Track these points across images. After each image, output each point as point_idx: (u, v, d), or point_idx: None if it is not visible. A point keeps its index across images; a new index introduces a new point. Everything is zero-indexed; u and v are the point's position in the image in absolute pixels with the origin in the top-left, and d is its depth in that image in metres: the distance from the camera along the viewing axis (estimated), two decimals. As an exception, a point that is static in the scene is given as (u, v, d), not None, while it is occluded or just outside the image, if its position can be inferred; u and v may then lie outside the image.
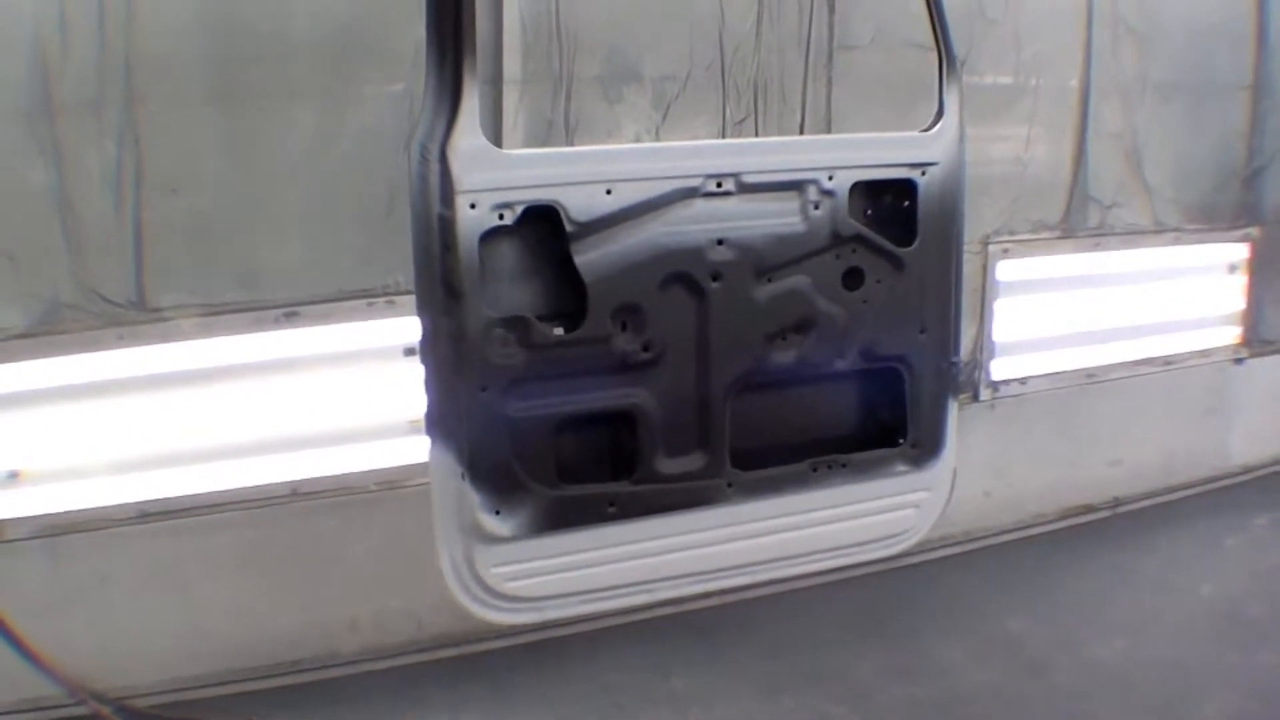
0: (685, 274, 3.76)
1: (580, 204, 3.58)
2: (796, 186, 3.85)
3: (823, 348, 3.99)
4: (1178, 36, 7.29)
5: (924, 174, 3.98)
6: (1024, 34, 6.71)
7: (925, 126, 4.02)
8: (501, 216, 3.49)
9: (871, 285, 4.00)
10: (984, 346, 6.91)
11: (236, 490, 5.43)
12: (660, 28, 5.84)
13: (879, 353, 4.08)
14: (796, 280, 3.90)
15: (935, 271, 4.08)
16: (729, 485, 3.95)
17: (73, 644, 5.19)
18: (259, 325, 5.34)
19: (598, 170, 3.65)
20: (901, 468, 4.18)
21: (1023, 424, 7.22)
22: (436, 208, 3.44)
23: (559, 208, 3.56)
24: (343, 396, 5.55)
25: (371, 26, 5.33)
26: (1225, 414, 8.10)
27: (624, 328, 3.72)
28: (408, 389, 5.29)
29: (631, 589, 3.95)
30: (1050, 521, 7.45)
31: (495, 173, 3.48)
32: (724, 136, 5.92)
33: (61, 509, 5.18)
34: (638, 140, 5.77)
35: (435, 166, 3.41)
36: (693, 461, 3.91)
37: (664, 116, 5.83)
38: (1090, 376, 7.38)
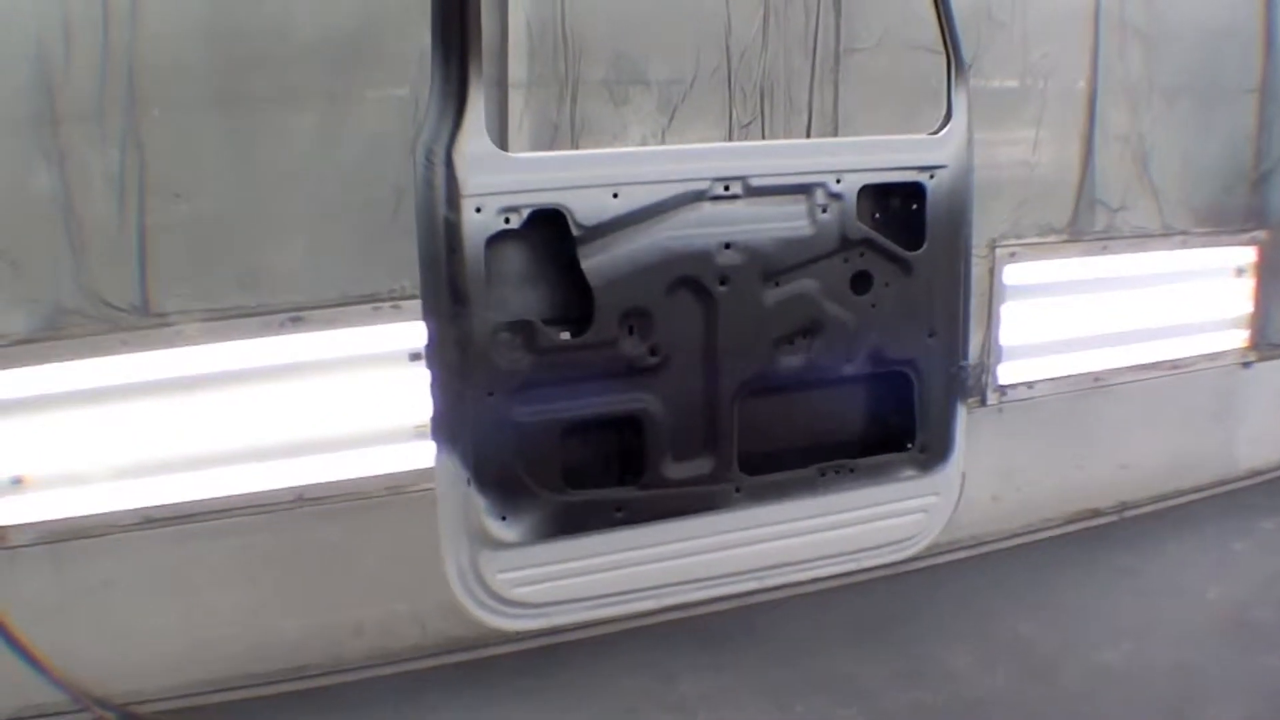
0: (692, 278, 3.74)
1: (586, 207, 3.56)
2: (804, 190, 3.83)
3: (831, 352, 3.98)
4: (1185, 39, 7.26)
5: (932, 177, 3.96)
6: (1032, 37, 6.68)
7: (934, 129, 4.01)
8: (507, 220, 3.47)
9: (880, 289, 3.98)
10: (991, 350, 6.89)
11: (241, 496, 5.41)
12: (666, 31, 5.83)
13: (887, 357, 4.07)
14: (804, 284, 3.89)
15: (944, 275, 4.07)
16: (737, 490, 3.93)
17: (77, 650, 5.16)
18: (263, 330, 5.32)
19: (604, 174, 3.63)
20: (910, 472, 4.17)
21: (1030, 428, 7.20)
22: (442, 211, 3.42)
23: (565, 211, 3.54)
24: (348, 402, 5.53)
25: (375, 31, 5.31)
26: (1232, 418, 8.07)
27: (631, 332, 3.71)
28: (413, 394, 5.26)
29: (638, 594, 3.94)
30: (1057, 526, 7.43)
31: (501, 176, 3.46)
32: (730, 140, 5.89)
33: (65, 514, 5.17)
34: (644, 144, 5.75)
35: (440, 170, 3.40)
36: (700, 466, 3.89)
37: (670, 120, 5.82)
38: (1097, 380, 7.36)
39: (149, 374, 5.20)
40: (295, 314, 5.36)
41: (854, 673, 5.82)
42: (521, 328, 3.58)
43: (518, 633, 5.14)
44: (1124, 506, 7.64)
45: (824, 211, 3.85)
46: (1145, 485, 7.72)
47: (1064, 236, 7.06)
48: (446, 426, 3.61)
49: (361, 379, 5.54)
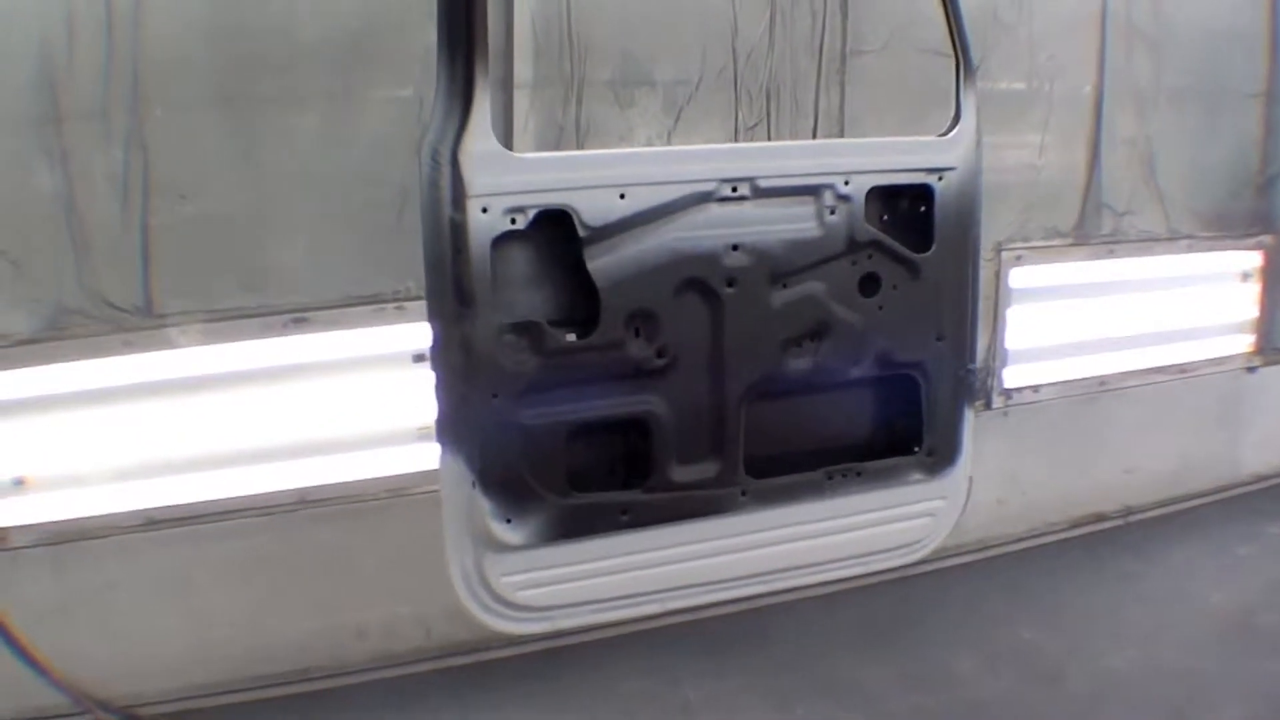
0: (699, 279, 3.72)
1: (593, 208, 3.54)
2: (812, 191, 3.81)
3: (838, 354, 3.95)
4: (1191, 43, 7.25)
5: (941, 179, 3.94)
6: (1038, 39, 6.67)
7: (942, 131, 3.98)
8: (514, 220, 3.45)
9: (888, 291, 3.96)
10: (997, 354, 6.88)
11: (244, 498, 5.40)
12: (672, 32, 5.80)
13: (895, 360, 4.04)
14: (812, 286, 3.86)
15: (952, 277, 4.04)
16: (743, 493, 3.91)
17: (78, 652, 5.15)
18: (266, 331, 5.31)
19: (611, 174, 3.61)
20: (917, 476, 4.14)
21: (1035, 432, 7.18)
22: (447, 211, 3.40)
23: (572, 212, 3.52)
24: (351, 404, 5.52)
25: (380, 31, 5.29)
26: (1237, 422, 8.05)
27: (637, 334, 3.68)
28: (416, 396, 5.26)
29: (644, 598, 3.91)
30: (1062, 530, 7.42)
31: (507, 176, 3.44)
32: (736, 142, 5.87)
33: (67, 516, 5.15)
34: (650, 145, 5.73)
35: (446, 170, 3.37)
36: (706, 469, 3.87)
37: (676, 121, 5.80)
38: (1103, 384, 7.35)
39: (151, 375, 5.18)
40: (298, 315, 5.34)
41: (858, 677, 5.80)
42: (527, 329, 3.56)
43: (521, 636, 5.14)
44: (1129, 511, 7.62)
45: (832, 213, 3.83)
46: (1150, 490, 7.71)
47: (1070, 240, 7.06)
48: (451, 428, 3.58)
49: (365, 381, 5.52)
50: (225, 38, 5.09)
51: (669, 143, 5.75)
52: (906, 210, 3.99)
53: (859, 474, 4.05)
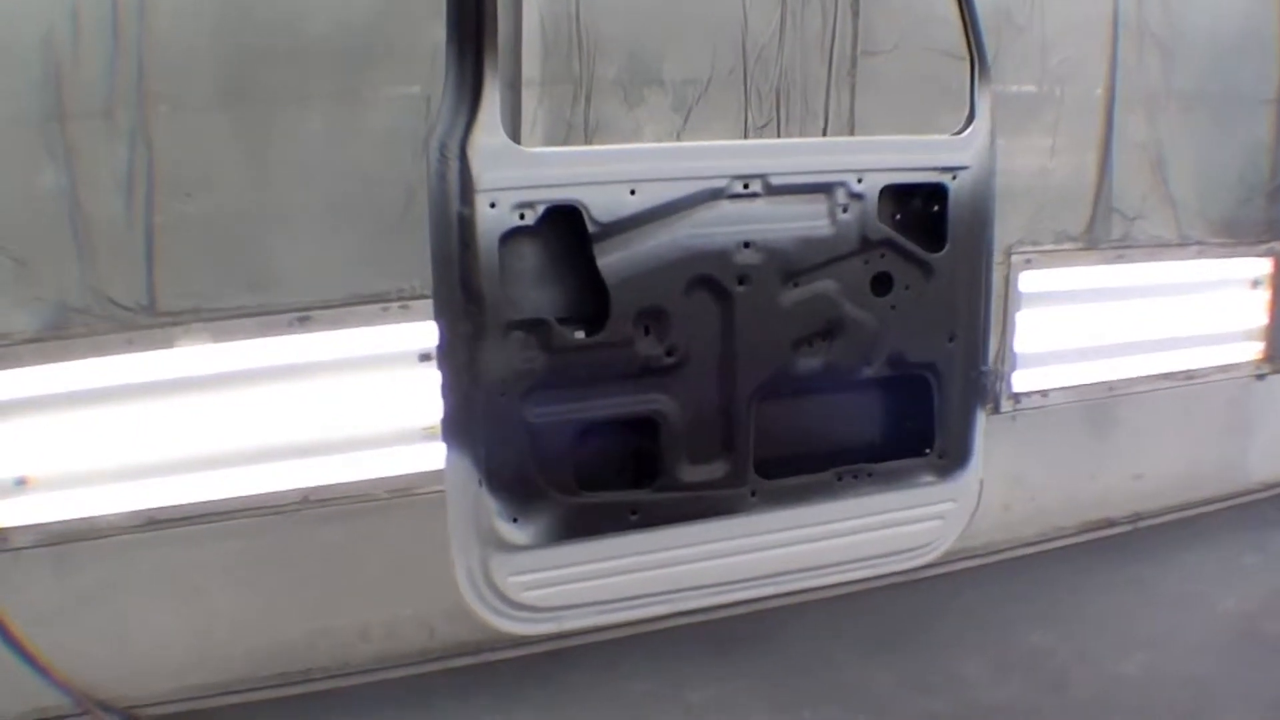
0: (710, 277, 3.68)
1: (603, 204, 3.49)
2: (825, 189, 3.77)
3: (850, 354, 3.91)
4: (1203, 48, 7.24)
5: (955, 178, 3.91)
6: (1050, 42, 6.66)
7: (957, 130, 3.95)
8: (522, 216, 3.41)
9: (900, 291, 3.92)
10: (1006, 357, 6.85)
11: (247, 498, 5.37)
12: (682, 31, 5.79)
13: (907, 360, 4.00)
14: (824, 285, 3.82)
15: (965, 278, 4.01)
16: (753, 494, 3.87)
17: (80, 653, 5.15)
18: (271, 330, 5.28)
19: (622, 170, 3.57)
20: (928, 478, 4.11)
21: (1044, 437, 7.16)
22: (455, 207, 3.36)
23: (581, 208, 3.47)
24: (355, 403, 5.49)
25: (388, 27, 5.28)
26: (1246, 430, 8.05)
27: (647, 332, 3.64)
28: (422, 395, 5.26)
29: (652, 599, 3.88)
30: (1070, 535, 7.41)
31: (516, 171, 3.40)
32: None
33: (69, 516, 5.13)
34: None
35: (454, 164, 3.33)
36: (716, 469, 3.83)
37: (685, 120, 5.78)
38: (1111, 390, 7.32)
39: (155, 374, 5.15)
40: (303, 314, 5.32)
41: (865, 681, 5.79)
42: (535, 326, 3.51)
43: (527, 637, 5.12)
44: (1137, 517, 7.61)
45: (844, 211, 3.79)
46: (1159, 496, 7.69)
47: (1080, 244, 7.04)
48: (457, 427, 3.55)
49: (369, 380, 5.50)
50: (231, 34, 5.07)
51: (678, 142, 5.71)
52: (919, 209, 3.95)
53: (869, 475, 4.02)
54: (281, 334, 5.31)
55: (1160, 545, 7.37)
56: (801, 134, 6.00)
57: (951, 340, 4.04)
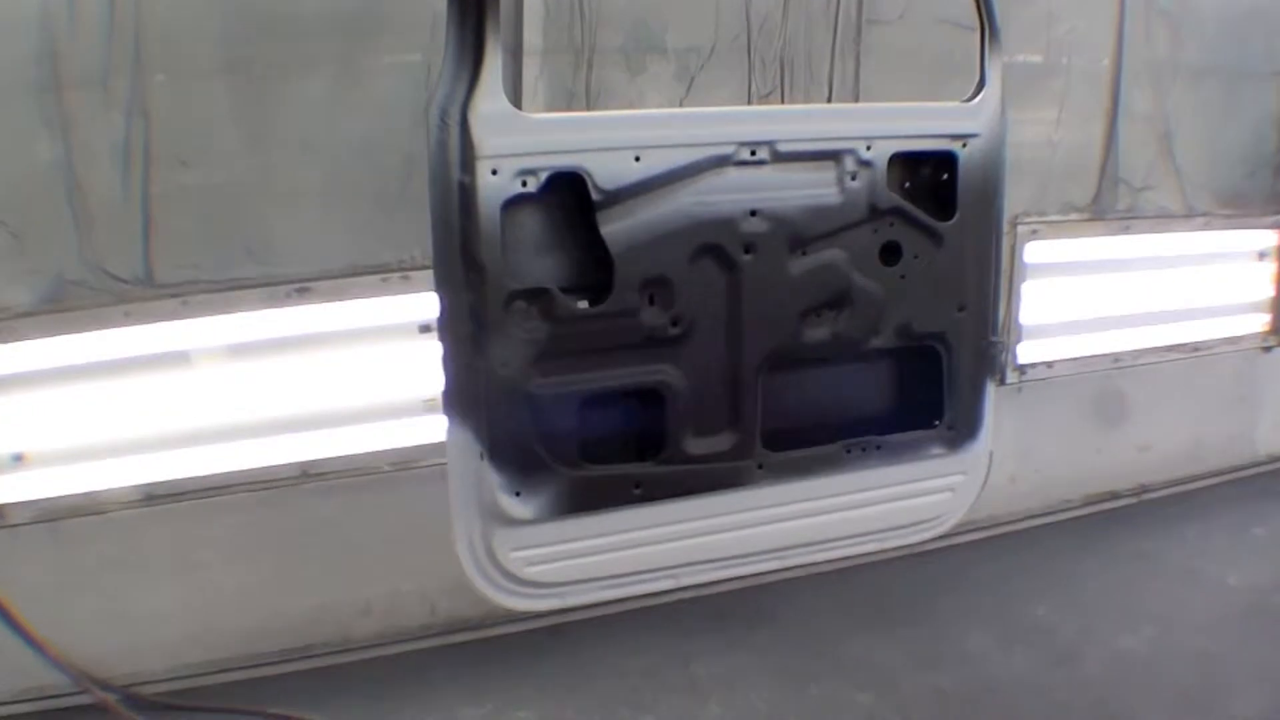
0: (716, 246, 3.63)
1: (607, 171, 3.45)
2: (833, 156, 3.72)
3: (858, 325, 3.87)
4: (1210, 20, 7.23)
5: (965, 146, 3.86)
6: (1057, 11, 6.64)
7: (967, 97, 3.90)
8: (524, 183, 3.36)
9: (909, 260, 3.87)
10: (1011, 329, 6.83)
11: (245, 471, 5.35)
12: (685, -1, 5.74)
13: (916, 331, 3.96)
14: (832, 254, 3.77)
15: (975, 247, 3.97)
16: (759, 467, 3.83)
17: (78, 630, 5.14)
18: (270, 301, 5.25)
19: (626, 136, 3.52)
20: (937, 450, 4.08)
21: (1049, 408, 7.14)
22: (456, 174, 3.32)
23: (585, 175, 3.43)
24: (355, 375, 5.47)
25: (387, -6, 5.24)
26: (1253, 402, 8.04)
27: (652, 301, 3.59)
28: (422, 367, 5.24)
29: (656, 574, 3.84)
30: (1076, 508, 7.42)
31: (518, 137, 3.35)
32: (750, 110, 5.81)
33: (67, 492, 5.10)
34: (663, 110, 5.67)
35: (455, 131, 3.29)
36: (722, 442, 3.79)
37: (688, 89, 5.74)
38: (1117, 361, 7.30)
39: (153, 347, 5.12)
40: (303, 285, 5.28)
41: (870, 655, 5.76)
42: (538, 296, 3.47)
43: (529, 613, 5.08)
44: (1143, 489, 7.60)
45: (853, 179, 3.74)
46: (1164, 468, 7.69)
47: (1086, 215, 7.02)
48: (459, 399, 3.51)
49: (370, 352, 5.47)
50: (229, 1, 5.01)
51: (681, 111, 5.68)
52: (929, 178, 3.91)
53: (878, 448, 3.98)
54: (281, 305, 5.27)
55: (1166, 518, 7.37)
56: (806, 102, 5.95)
57: (961, 310, 3.99)
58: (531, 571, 3.67)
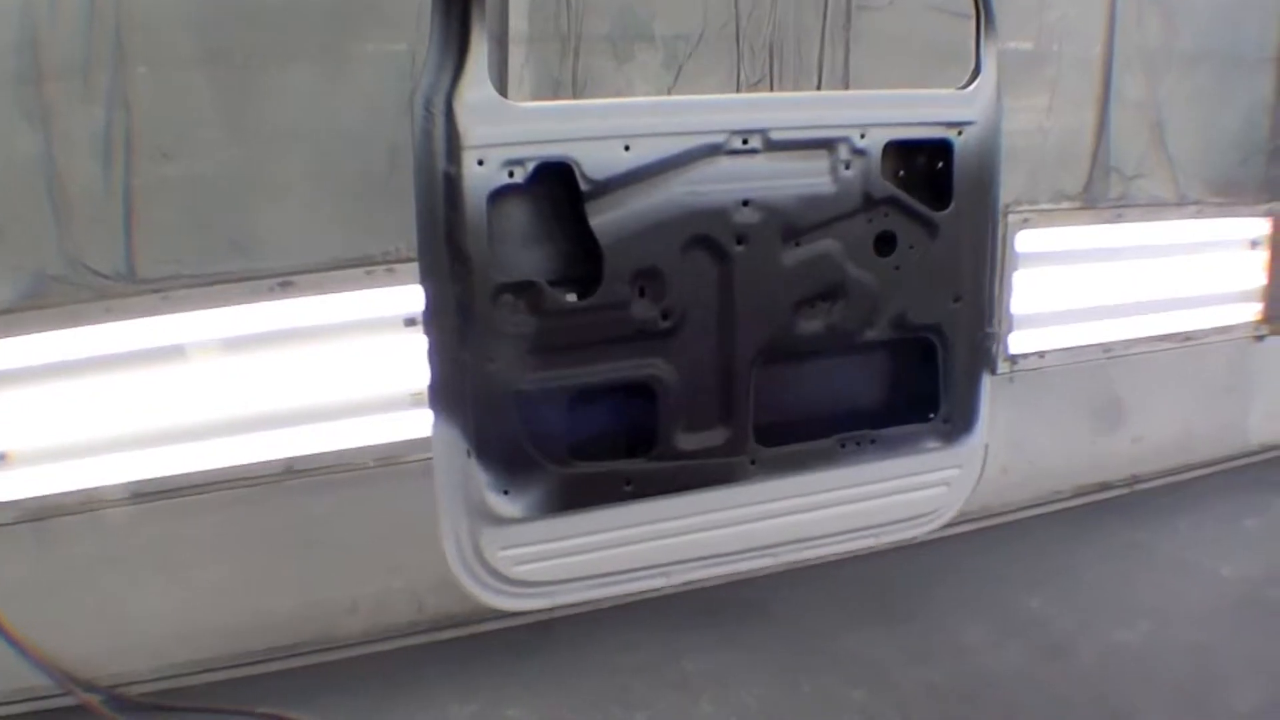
0: (708, 237, 3.57)
1: (596, 161, 3.38)
2: (826, 145, 3.66)
3: (852, 316, 3.81)
4: (1203, 6, 7.21)
5: (960, 133, 3.81)
6: (1048, -2, 6.60)
7: (962, 84, 3.85)
8: (511, 174, 3.30)
9: (904, 251, 3.82)
10: (1003, 319, 6.79)
11: (230, 469, 5.30)
12: (673, -16, 5.71)
13: (911, 322, 3.90)
14: (826, 244, 3.72)
15: (971, 237, 3.91)
16: (752, 462, 3.78)
17: (62, 630, 5.11)
18: (253, 296, 5.20)
19: (615, 125, 3.46)
20: (932, 444, 4.03)
21: (1041, 399, 7.12)
22: (441, 165, 3.25)
23: (573, 165, 3.36)
24: (340, 369, 5.42)
25: (371, -16, 5.19)
26: (1245, 392, 8.04)
27: (642, 294, 3.53)
28: (408, 361, 5.19)
29: (648, 572, 3.80)
30: (1067, 499, 7.41)
31: (505, 127, 3.28)
32: (739, 98, 5.77)
33: (50, 491, 5.06)
34: (652, 98, 5.63)
35: (440, 120, 3.22)
36: (714, 437, 3.73)
37: (676, 77, 5.69)
38: (1108, 351, 7.28)
39: (135, 343, 5.08)
40: (286, 279, 5.23)
41: (864, 650, 5.75)
42: (525, 289, 3.41)
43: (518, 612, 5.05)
44: (1134, 480, 7.60)
45: (847, 168, 3.69)
46: (1156, 459, 7.68)
47: (1078, 204, 7.00)
48: (445, 395, 3.46)
49: (354, 345, 5.43)
50: (210, -9, 4.97)
51: (669, 99, 5.65)
52: (924, 166, 3.86)
53: (873, 441, 3.93)
54: (263, 300, 5.23)
55: (1158, 509, 7.37)
56: (795, 90, 5.93)
57: (956, 301, 3.94)
58: (520, 570, 3.62)
